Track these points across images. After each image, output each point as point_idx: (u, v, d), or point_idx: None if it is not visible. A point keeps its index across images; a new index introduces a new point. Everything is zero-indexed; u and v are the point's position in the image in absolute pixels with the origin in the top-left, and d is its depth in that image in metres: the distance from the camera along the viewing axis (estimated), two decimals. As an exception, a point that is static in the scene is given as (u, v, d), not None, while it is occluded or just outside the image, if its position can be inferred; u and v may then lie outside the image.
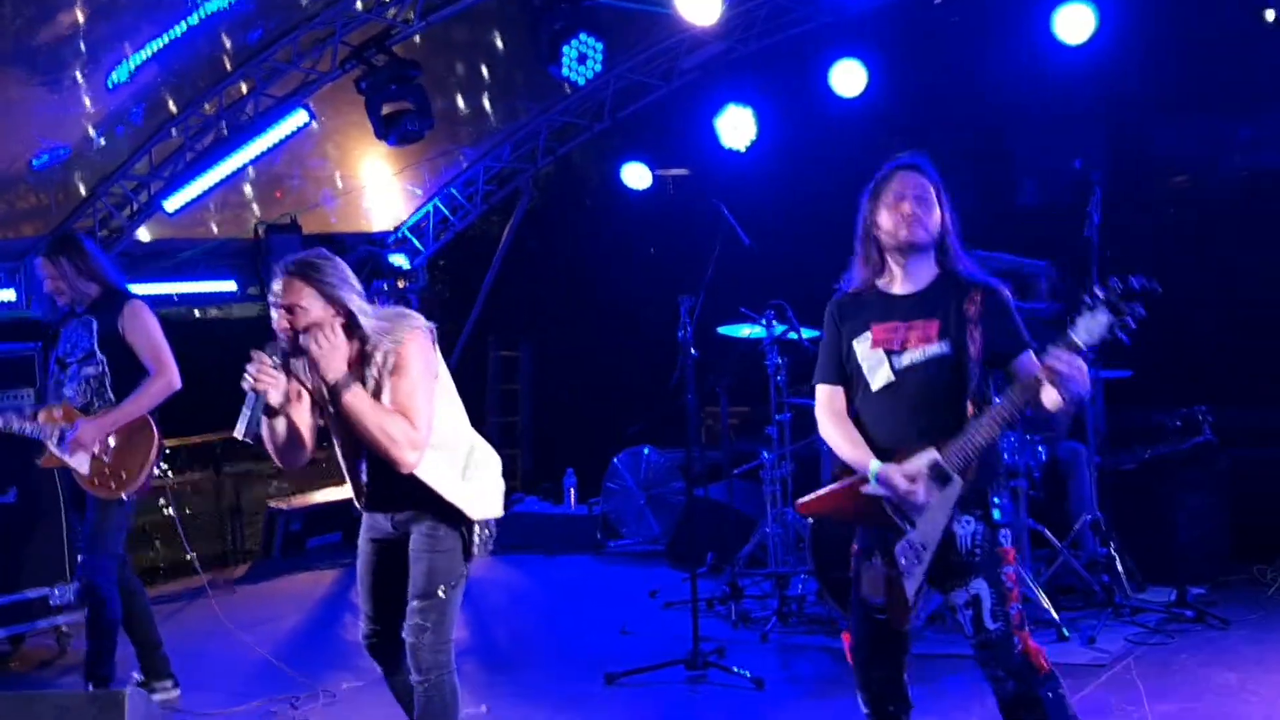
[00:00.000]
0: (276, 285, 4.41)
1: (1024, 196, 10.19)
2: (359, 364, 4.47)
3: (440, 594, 4.55)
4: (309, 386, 4.62)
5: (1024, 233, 8.53)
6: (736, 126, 9.53)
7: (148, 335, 6.20)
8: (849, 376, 4.44)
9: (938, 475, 4.17)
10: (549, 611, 8.31)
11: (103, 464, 6.12)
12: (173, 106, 8.32)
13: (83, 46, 7.15)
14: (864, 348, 4.36)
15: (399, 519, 4.65)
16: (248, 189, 9.75)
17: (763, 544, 8.04)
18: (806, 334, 7.71)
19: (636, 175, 10.40)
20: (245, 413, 4.28)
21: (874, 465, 4.26)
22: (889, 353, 4.31)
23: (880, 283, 4.43)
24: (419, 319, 4.56)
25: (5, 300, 8.55)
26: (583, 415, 11.30)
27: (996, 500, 4.27)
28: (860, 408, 4.41)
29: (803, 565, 7.66)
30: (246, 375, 4.27)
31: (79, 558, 6.28)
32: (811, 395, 8.05)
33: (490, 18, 8.85)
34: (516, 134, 10.73)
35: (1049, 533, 7.21)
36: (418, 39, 8.33)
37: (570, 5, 7.88)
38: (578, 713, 6.29)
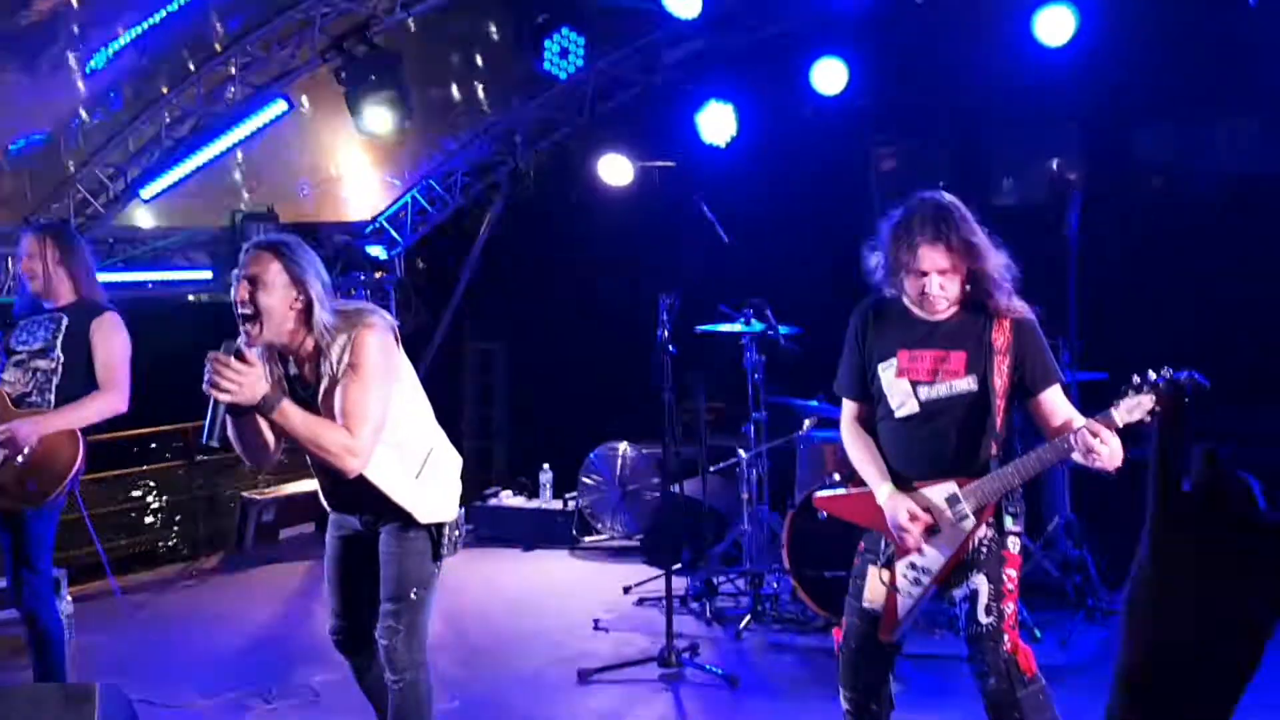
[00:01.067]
0: (244, 257, 4.34)
1: (1001, 196, 10.23)
2: (314, 358, 4.40)
3: (412, 596, 4.54)
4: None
5: (1000, 232, 8.52)
6: (717, 123, 9.51)
7: (115, 350, 5.77)
8: (873, 394, 4.44)
9: (952, 511, 4.23)
10: (523, 606, 8.29)
11: (12, 467, 5.53)
12: (151, 94, 8.26)
13: (61, 32, 7.10)
14: (889, 375, 4.36)
15: (367, 519, 4.63)
16: (225, 177, 9.69)
17: (737, 542, 8.05)
18: (784, 331, 7.72)
19: (615, 170, 10.37)
20: (208, 416, 4.13)
21: (884, 490, 4.33)
22: (914, 383, 4.31)
23: (905, 299, 4.39)
24: (381, 314, 4.47)
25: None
26: (559, 409, 11.27)
27: (1011, 510, 4.31)
28: (882, 430, 4.43)
29: (777, 564, 7.67)
30: (205, 379, 4.10)
31: (6, 578, 5.77)
32: (789, 395, 8.13)
33: (472, 9, 8.83)
34: (497, 127, 10.70)
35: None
36: (401, 28, 8.28)
37: (553, -1, 7.87)
38: (550, 708, 6.29)
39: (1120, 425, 4.03)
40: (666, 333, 6.92)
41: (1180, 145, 9.50)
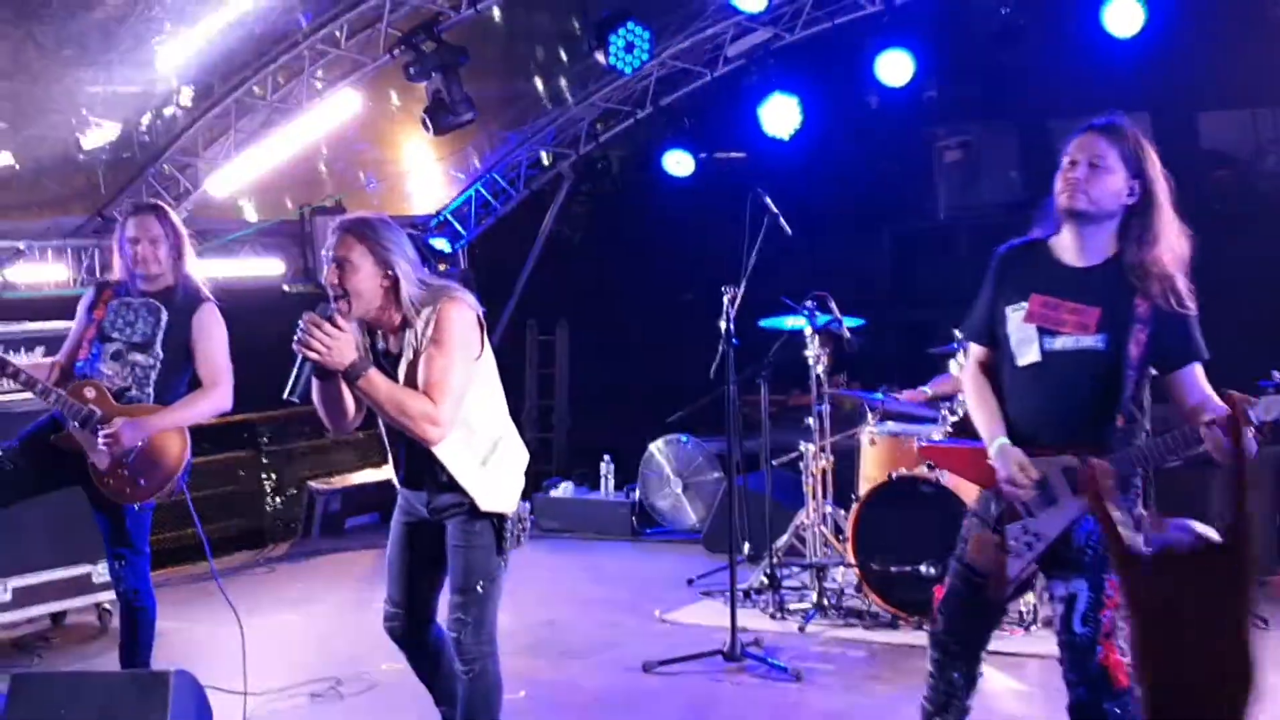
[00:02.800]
0: (331, 239, 4.43)
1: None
2: (400, 331, 4.47)
3: (478, 589, 4.57)
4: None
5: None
6: (781, 115, 9.50)
7: (217, 345, 5.74)
8: (998, 340, 4.23)
9: (1072, 483, 4.04)
10: (586, 597, 8.34)
11: (123, 465, 5.58)
12: (222, 88, 8.35)
13: (132, 28, 7.19)
14: (1017, 318, 4.14)
15: (435, 505, 4.67)
16: (293, 171, 9.78)
17: (800, 535, 8.04)
18: (849, 324, 7.71)
19: (678, 163, 10.41)
20: (294, 373, 4.22)
21: (996, 443, 4.14)
22: (1041, 330, 4.09)
23: (1054, 242, 4.18)
24: (466, 295, 4.53)
25: (55, 278, 8.62)
26: (619, 401, 11.32)
27: (1129, 505, 4.08)
28: (1004, 380, 4.23)
29: (840, 557, 7.67)
30: (296, 337, 4.20)
31: (110, 563, 5.78)
32: (852, 387, 8.12)
33: (537, 4, 8.86)
34: (560, 120, 10.73)
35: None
36: (467, 23, 8.33)
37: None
38: (615, 701, 6.32)
39: (1257, 423, 3.80)
40: (729, 324, 6.93)
41: (1247, 136, 9.40)
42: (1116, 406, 4.00)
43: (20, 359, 7.16)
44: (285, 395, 4.27)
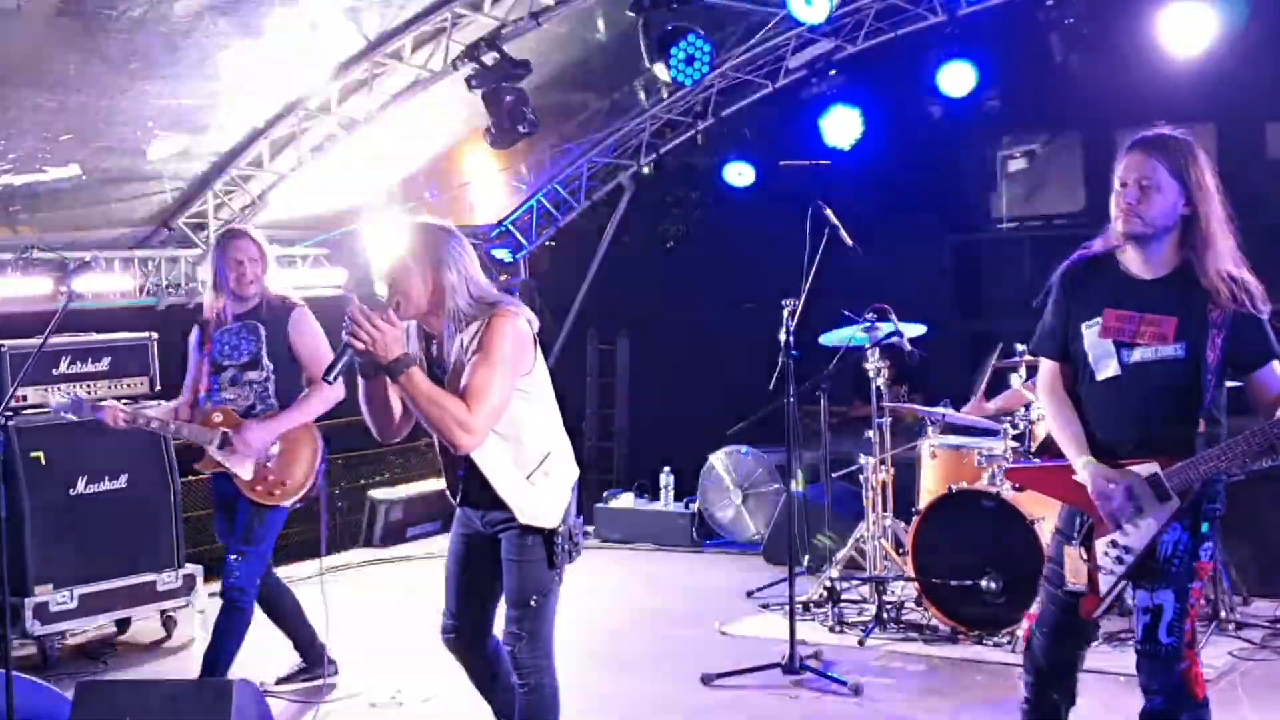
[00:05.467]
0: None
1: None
2: (449, 341, 4.51)
3: (532, 603, 4.58)
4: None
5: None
6: (842, 126, 9.47)
7: (316, 342, 6.20)
8: (1072, 356, 4.26)
9: (1157, 491, 4.04)
10: (645, 608, 8.35)
11: (265, 470, 6.10)
12: (286, 102, 8.42)
13: (197, 41, 7.26)
14: (1093, 334, 4.16)
15: (488, 519, 4.68)
16: (355, 181, 9.85)
17: (860, 548, 8.00)
18: (911, 331, 7.68)
19: (738, 173, 10.41)
20: (338, 357, 4.29)
21: (1082, 461, 4.14)
22: (1119, 344, 4.11)
23: (1120, 255, 4.19)
24: (521, 307, 4.56)
25: (122, 289, 8.72)
26: (679, 412, 11.32)
27: (1214, 512, 4.10)
28: (1083, 394, 4.24)
29: (900, 571, 7.62)
30: (345, 326, 4.25)
31: (228, 558, 6.14)
32: (913, 400, 8.08)
33: (599, 16, 8.87)
34: (621, 130, 10.75)
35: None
36: (530, 35, 8.36)
37: (680, 5, 7.88)
38: (675, 712, 6.33)
39: None
40: (790, 336, 6.92)
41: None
42: (1198, 412, 4.01)
43: (88, 369, 7.61)
44: (324, 375, 4.37)
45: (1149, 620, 4.07)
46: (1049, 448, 4.40)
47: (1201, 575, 4.10)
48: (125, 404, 6.39)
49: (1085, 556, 4.17)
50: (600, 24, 9.00)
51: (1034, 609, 4.48)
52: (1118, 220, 4.09)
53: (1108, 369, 4.13)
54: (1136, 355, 4.09)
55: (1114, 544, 4.12)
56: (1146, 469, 4.05)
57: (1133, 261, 4.16)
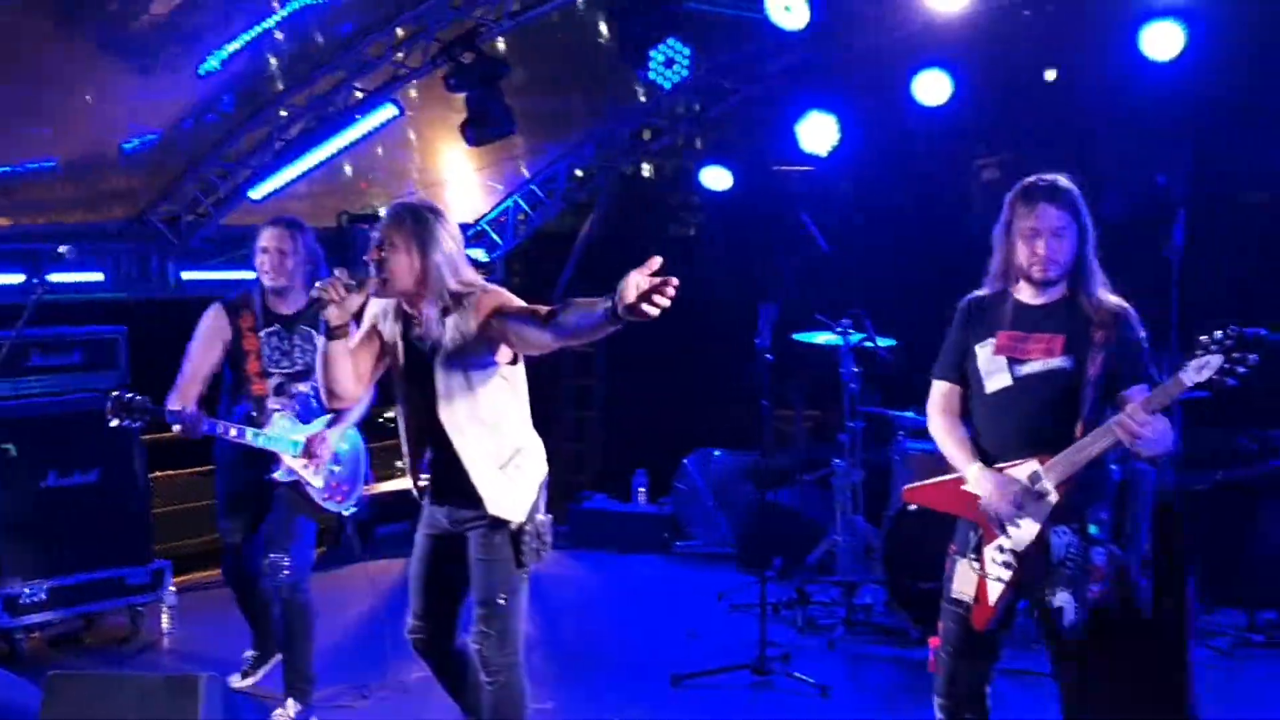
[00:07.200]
0: (384, 217, 4.62)
1: (1106, 208, 10.08)
2: (440, 319, 4.58)
3: (500, 602, 4.61)
4: (384, 335, 4.73)
5: (1105, 246, 8.44)
6: (818, 132, 9.49)
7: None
8: (966, 378, 4.55)
9: (1035, 486, 4.28)
10: (616, 610, 8.35)
11: (335, 479, 6.00)
12: (263, 96, 8.41)
13: (175, 34, 7.25)
14: (986, 353, 4.48)
15: (456, 517, 4.69)
16: (333, 179, 9.84)
17: (831, 551, 8.02)
18: (883, 343, 7.70)
19: (716, 177, 10.41)
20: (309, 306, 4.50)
21: (972, 468, 4.41)
22: (1011, 360, 4.41)
23: (1013, 289, 4.54)
24: (505, 292, 4.67)
25: (93, 281, 8.68)
26: (654, 414, 11.30)
27: (1100, 516, 4.34)
28: (974, 410, 4.53)
29: (871, 574, 7.65)
30: (317, 283, 4.51)
31: (270, 557, 5.92)
32: (887, 405, 8.11)
33: (577, 17, 8.88)
34: (599, 132, 10.76)
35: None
36: (508, 35, 8.36)
37: (659, 10, 7.89)
38: (642, 713, 6.34)
39: (1189, 385, 4.02)
40: (764, 340, 6.94)
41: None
42: (1077, 419, 4.29)
43: (58, 362, 7.55)
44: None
45: (1051, 621, 4.30)
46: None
47: (1097, 578, 4.30)
48: (130, 399, 5.79)
49: (977, 567, 4.40)
50: (581, 26, 9.00)
51: (939, 633, 4.61)
52: (1035, 269, 4.41)
53: (1000, 382, 4.43)
54: (1027, 369, 4.40)
55: (1000, 548, 4.36)
56: (1026, 469, 4.31)
57: (1024, 292, 4.51)
